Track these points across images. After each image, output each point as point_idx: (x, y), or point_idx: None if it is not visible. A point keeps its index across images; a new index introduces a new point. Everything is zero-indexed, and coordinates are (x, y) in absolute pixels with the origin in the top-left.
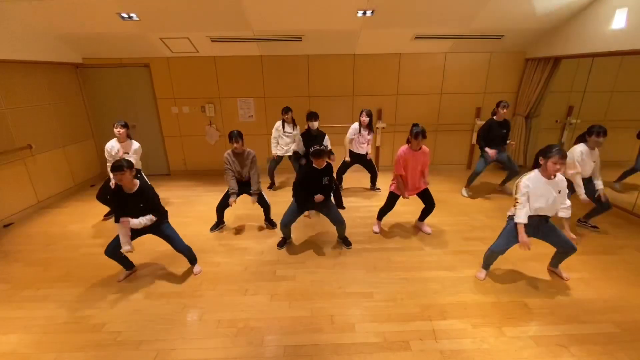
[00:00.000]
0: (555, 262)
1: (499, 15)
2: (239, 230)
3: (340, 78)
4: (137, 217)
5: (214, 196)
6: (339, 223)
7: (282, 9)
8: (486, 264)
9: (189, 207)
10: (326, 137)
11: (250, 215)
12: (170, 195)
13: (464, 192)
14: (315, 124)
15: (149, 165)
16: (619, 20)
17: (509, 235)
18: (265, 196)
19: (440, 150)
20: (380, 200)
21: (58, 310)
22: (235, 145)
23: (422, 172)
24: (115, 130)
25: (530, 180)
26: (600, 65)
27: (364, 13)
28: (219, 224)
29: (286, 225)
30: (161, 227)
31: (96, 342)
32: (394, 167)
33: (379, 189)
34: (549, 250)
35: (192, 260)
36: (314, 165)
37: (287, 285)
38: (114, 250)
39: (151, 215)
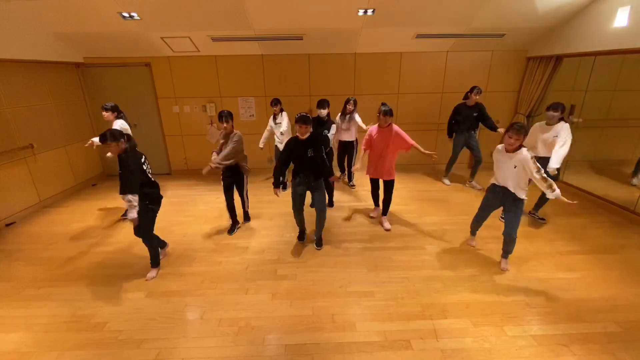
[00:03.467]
0: (503, 251)
1: (501, 13)
2: (239, 230)
3: (341, 77)
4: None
5: (215, 195)
6: (321, 206)
7: (283, 8)
8: (473, 230)
9: (190, 206)
10: (333, 125)
11: (251, 215)
12: (171, 194)
13: (445, 181)
14: (323, 112)
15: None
16: (621, 18)
17: (482, 202)
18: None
19: (441, 149)
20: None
21: (60, 309)
22: (225, 125)
23: (388, 156)
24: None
25: (497, 149)
26: (602, 64)
27: (365, 12)
28: (235, 225)
29: (299, 212)
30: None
31: (98, 340)
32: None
33: (353, 185)
34: (552, 250)
35: (152, 260)
36: (297, 136)
37: (288, 284)
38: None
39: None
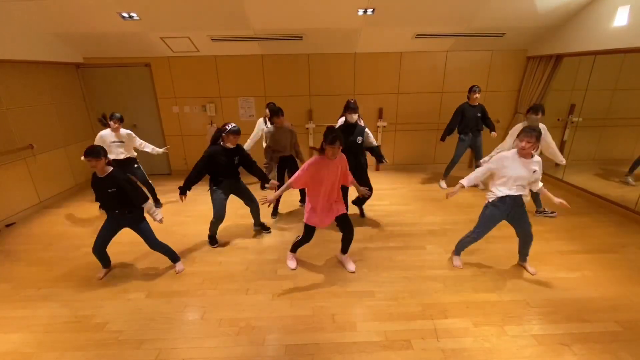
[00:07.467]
0: (522, 254)
1: (500, 13)
2: (239, 230)
3: (341, 77)
4: (106, 201)
5: None
6: (251, 201)
7: (282, 7)
8: (459, 250)
9: (190, 206)
10: (366, 129)
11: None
12: (171, 194)
13: (442, 184)
14: (354, 117)
15: (150, 165)
16: (621, 17)
17: (486, 221)
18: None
19: (441, 149)
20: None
21: (60, 310)
22: (280, 118)
23: (338, 191)
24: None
25: (506, 157)
26: (602, 63)
27: (365, 12)
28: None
29: (220, 217)
30: (136, 222)
31: (98, 341)
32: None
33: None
34: (552, 249)
35: (173, 258)
36: (226, 144)
37: (289, 284)
38: (98, 248)
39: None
